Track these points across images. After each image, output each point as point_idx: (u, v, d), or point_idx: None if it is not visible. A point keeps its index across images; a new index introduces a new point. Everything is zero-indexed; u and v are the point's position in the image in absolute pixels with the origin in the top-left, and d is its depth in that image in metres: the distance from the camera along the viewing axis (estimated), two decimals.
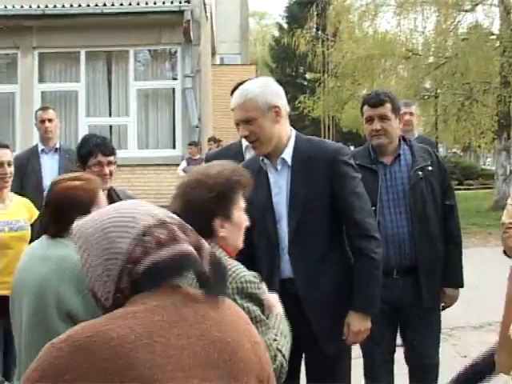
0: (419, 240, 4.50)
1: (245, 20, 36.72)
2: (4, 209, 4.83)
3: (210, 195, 2.74)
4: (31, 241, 4.74)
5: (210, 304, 1.96)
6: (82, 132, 14.97)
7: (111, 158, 4.49)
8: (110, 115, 16.07)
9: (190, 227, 2.03)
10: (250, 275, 2.71)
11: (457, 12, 20.93)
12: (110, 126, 15.88)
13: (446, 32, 20.61)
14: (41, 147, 7.30)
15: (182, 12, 14.81)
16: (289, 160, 3.70)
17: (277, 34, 44.44)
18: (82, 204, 3.06)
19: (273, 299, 2.97)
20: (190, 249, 1.94)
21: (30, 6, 15.05)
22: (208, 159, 4.95)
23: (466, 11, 21.10)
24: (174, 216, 2.03)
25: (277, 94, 3.67)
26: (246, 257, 3.75)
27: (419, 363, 4.64)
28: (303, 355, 3.88)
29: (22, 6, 15.08)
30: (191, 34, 15.01)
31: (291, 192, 3.67)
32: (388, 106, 4.54)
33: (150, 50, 16.29)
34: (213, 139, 15.71)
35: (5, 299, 3.24)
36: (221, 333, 1.93)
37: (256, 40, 56.12)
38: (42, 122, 7.33)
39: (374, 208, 4.27)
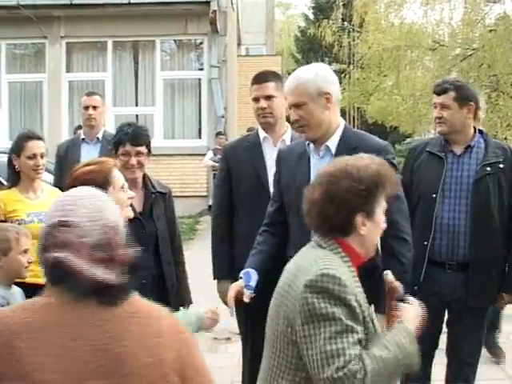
0: (475, 236, 4.32)
1: (270, 10, 36.70)
2: (35, 200, 4.84)
3: (359, 187, 2.58)
4: None
5: (108, 312, 1.94)
6: (109, 121, 15.08)
7: (140, 149, 4.36)
8: (137, 105, 16.20)
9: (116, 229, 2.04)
10: (333, 270, 2.47)
11: (484, 3, 20.74)
12: (137, 116, 15.96)
13: (473, 23, 20.42)
14: (82, 136, 6.92)
15: (208, 2, 14.87)
16: (333, 148, 3.69)
17: (302, 24, 44.24)
18: (96, 186, 3.00)
19: (406, 310, 2.74)
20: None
21: None
22: (226, 150, 4.89)
23: (494, 2, 20.90)
24: (112, 220, 2.04)
25: (329, 81, 3.67)
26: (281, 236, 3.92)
27: (457, 360, 4.50)
28: None
29: None
30: (217, 24, 15.07)
31: None
32: (451, 94, 4.41)
33: (176, 40, 16.38)
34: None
35: (38, 286, 3.23)
36: (113, 343, 1.90)
37: (281, 31, 55.95)
38: (86, 108, 6.88)
39: (434, 195, 4.31)
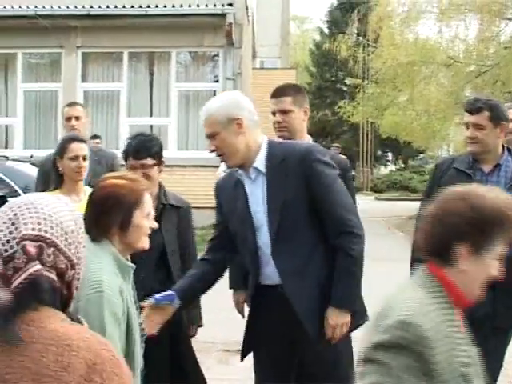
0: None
1: (286, 24, 36.81)
2: (77, 202, 4.88)
3: (470, 215, 2.29)
4: None
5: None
6: (123, 132, 15.18)
7: (145, 162, 4.31)
8: (151, 115, 16.25)
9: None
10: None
11: (499, 20, 20.77)
12: (151, 127, 16.00)
13: (487, 40, 20.45)
14: None
15: (224, 15, 14.92)
16: (262, 168, 3.69)
17: (318, 38, 44.41)
18: (125, 204, 3.01)
19: None
20: None
21: (76, 7, 15.31)
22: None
23: (509, 19, 20.92)
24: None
25: (238, 107, 3.67)
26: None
27: None
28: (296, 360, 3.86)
29: (67, 7, 15.34)
30: (233, 36, 15.13)
31: (268, 198, 3.67)
32: (485, 114, 4.27)
33: (191, 52, 16.43)
34: None
35: None
36: None
37: (296, 44, 56.10)
38: (68, 119, 6.68)
39: None
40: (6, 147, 16.46)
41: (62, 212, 1.85)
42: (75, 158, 4.81)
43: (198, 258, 4.17)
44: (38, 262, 1.74)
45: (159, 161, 4.38)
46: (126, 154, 4.39)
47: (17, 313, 1.71)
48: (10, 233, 1.77)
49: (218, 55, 16.05)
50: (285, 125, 4.50)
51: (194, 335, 4.53)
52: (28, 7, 15.31)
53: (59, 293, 1.81)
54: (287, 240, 3.64)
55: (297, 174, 3.62)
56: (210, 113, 3.64)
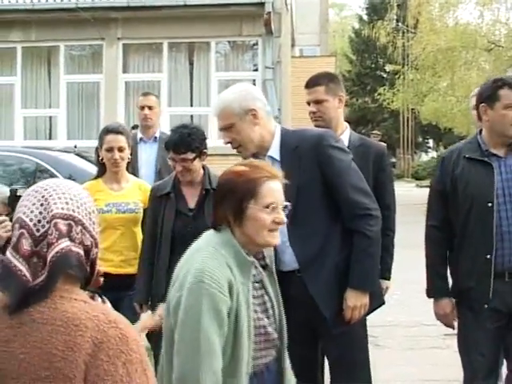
0: None
1: (324, 11, 36.74)
2: (118, 190, 5.07)
3: None
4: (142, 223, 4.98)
5: (16, 316, 1.86)
6: (164, 121, 15.28)
7: (184, 156, 4.50)
8: (192, 105, 16.35)
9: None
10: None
11: None
12: (191, 116, 16.12)
13: None
14: (139, 136, 7.02)
15: (263, 4, 14.90)
16: (276, 156, 3.74)
17: (357, 25, 44.17)
18: (237, 192, 2.86)
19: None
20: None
21: None
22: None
23: None
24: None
25: (252, 98, 3.73)
26: None
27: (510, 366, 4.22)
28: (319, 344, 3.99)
29: None
30: (272, 25, 15.12)
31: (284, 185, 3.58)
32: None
33: (230, 42, 16.48)
34: None
35: (109, 276, 3.07)
36: (15, 349, 1.84)
37: (335, 32, 55.87)
38: (142, 108, 7.03)
39: (489, 204, 4.03)
40: (50, 138, 16.71)
41: (83, 193, 2.02)
42: (110, 150, 5.01)
43: None
44: (67, 238, 1.88)
45: (200, 153, 4.56)
46: (167, 147, 4.61)
47: (49, 288, 1.85)
48: (41, 213, 1.93)
49: (256, 44, 16.07)
50: (320, 114, 4.61)
51: None
52: (69, 0, 15.51)
53: (85, 269, 1.94)
54: (303, 225, 3.67)
55: (310, 160, 3.68)
56: (225, 105, 3.69)
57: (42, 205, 1.94)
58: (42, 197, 1.96)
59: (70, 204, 1.95)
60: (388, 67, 32.06)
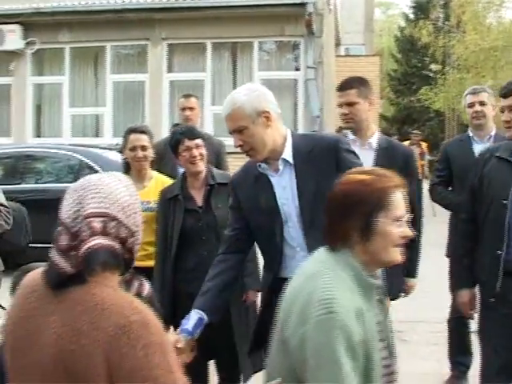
0: None
1: (370, 10, 36.67)
2: (140, 189, 5.12)
3: None
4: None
5: (54, 297, 2.12)
6: (207, 120, 15.59)
7: (198, 141, 4.77)
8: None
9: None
10: None
11: None
12: None
13: None
14: None
15: (304, 5, 15.08)
16: (290, 159, 3.61)
17: (403, 24, 43.97)
18: (368, 205, 2.51)
19: None
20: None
21: (160, 0, 15.79)
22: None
23: None
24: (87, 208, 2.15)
25: (265, 100, 3.58)
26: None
27: None
28: None
29: (152, 0, 15.86)
30: (313, 26, 15.29)
31: (298, 188, 3.59)
32: None
33: (273, 42, 16.65)
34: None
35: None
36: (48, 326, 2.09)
37: (382, 30, 55.64)
38: (183, 109, 7.33)
39: (504, 201, 4.08)
40: (97, 136, 17.11)
41: (119, 190, 2.23)
42: (133, 149, 5.24)
43: (218, 256, 3.92)
44: (100, 235, 2.12)
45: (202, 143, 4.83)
46: (179, 140, 4.82)
47: (80, 278, 2.10)
48: (77, 211, 2.16)
49: (299, 44, 16.23)
50: (351, 116, 4.74)
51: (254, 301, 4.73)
52: (115, 2, 15.94)
53: (122, 257, 2.19)
54: (320, 231, 3.43)
55: (326, 163, 3.57)
56: (237, 106, 3.53)
57: (78, 204, 2.18)
58: (79, 196, 2.19)
59: (104, 202, 2.17)
60: (433, 67, 31.87)
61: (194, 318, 3.53)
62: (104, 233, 2.14)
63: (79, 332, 2.01)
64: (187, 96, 7.57)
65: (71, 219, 2.16)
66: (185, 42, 16.48)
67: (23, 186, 11.09)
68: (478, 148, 5.59)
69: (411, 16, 40.91)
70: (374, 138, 4.78)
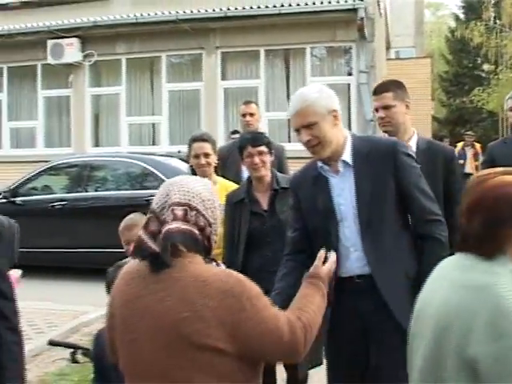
0: None
1: (420, 12, 36.56)
2: None
3: None
4: None
5: (156, 275, 2.50)
6: (262, 125, 15.73)
7: (261, 148, 4.99)
8: None
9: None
10: None
11: None
12: (288, 120, 16.45)
13: None
14: None
15: (355, 10, 15.24)
16: (349, 160, 3.70)
17: (453, 24, 43.63)
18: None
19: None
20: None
21: (213, 10, 16.11)
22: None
23: None
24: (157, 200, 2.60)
25: (333, 99, 3.70)
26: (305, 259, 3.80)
27: None
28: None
29: (206, 10, 16.17)
30: (365, 31, 15.42)
31: (357, 190, 3.67)
32: None
33: (325, 47, 16.83)
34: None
35: None
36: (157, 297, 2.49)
37: (432, 32, 55.23)
38: (244, 115, 7.68)
39: None
40: (153, 144, 17.50)
41: (200, 187, 2.64)
42: (197, 156, 5.53)
43: (283, 258, 4.01)
44: (180, 221, 2.53)
45: (270, 150, 5.07)
46: (243, 145, 5.06)
47: (165, 252, 2.48)
48: (165, 202, 2.58)
49: (350, 49, 16.38)
50: (388, 120, 4.72)
51: None
52: (170, 13, 16.26)
53: (202, 242, 2.58)
54: (375, 231, 3.64)
55: (384, 166, 3.66)
56: (309, 103, 3.62)
57: (166, 195, 2.60)
58: (167, 190, 2.62)
59: (187, 195, 2.57)
60: (486, 67, 31.54)
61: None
62: (185, 219, 2.53)
63: (190, 301, 2.40)
64: (248, 102, 7.94)
65: (160, 208, 2.57)
66: (238, 49, 16.78)
67: (97, 193, 11.61)
68: None
69: (461, 16, 40.60)
70: (413, 140, 4.74)
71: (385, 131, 4.81)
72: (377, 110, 4.81)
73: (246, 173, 7.05)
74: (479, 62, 32.97)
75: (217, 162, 5.65)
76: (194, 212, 2.56)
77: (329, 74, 16.64)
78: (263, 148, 5.02)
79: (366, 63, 15.87)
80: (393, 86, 4.79)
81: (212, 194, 2.67)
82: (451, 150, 5.11)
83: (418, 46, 35.23)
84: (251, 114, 7.65)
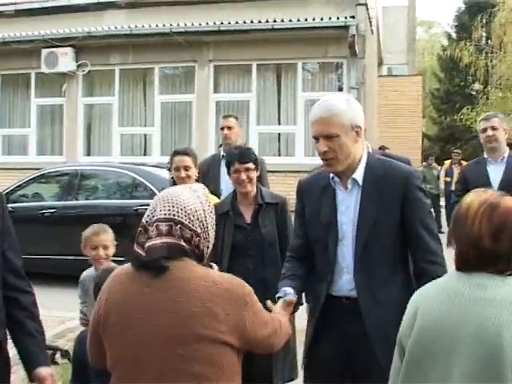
0: None
1: (412, 30, 36.70)
2: None
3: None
4: None
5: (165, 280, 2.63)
6: (253, 139, 15.95)
7: (248, 165, 5.10)
8: (279, 123, 16.89)
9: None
10: None
11: None
12: (279, 134, 16.78)
13: None
14: (222, 153, 7.59)
15: (347, 27, 15.38)
16: (360, 180, 3.60)
17: (446, 43, 43.78)
18: None
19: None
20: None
21: (207, 23, 16.25)
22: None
23: None
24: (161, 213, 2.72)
25: (360, 114, 3.57)
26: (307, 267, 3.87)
27: None
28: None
29: (199, 24, 16.31)
30: (356, 47, 15.56)
31: (361, 212, 3.57)
32: None
33: (316, 63, 16.99)
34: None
35: None
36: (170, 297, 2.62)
37: (424, 49, 55.54)
38: (222, 128, 7.94)
39: None
40: (145, 154, 17.64)
41: (188, 199, 2.77)
42: (177, 169, 5.68)
43: (285, 260, 4.07)
44: (164, 237, 2.66)
45: (256, 166, 5.18)
46: (231, 161, 5.18)
47: (153, 262, 2.63)
48: (152, 217, 2.75)
49: (341, 65, 16.53)
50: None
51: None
52: (164, 25, 16.41)
53: (192, 251, 2.72)
54: (371, 256, 3.56)
55: (395, 194, 3.56)
56: (335, 112, 3.49)
57: (154, 210, 2.76)
58: (154, 205, 2.78)
59: (172, 210, 2.71)
60: (476, 86, 31.72)
61: (286, 289, 3.69)
62: (169, 234, 2.67)
63: (202, 298, 2.56)
64: (227, 116, 8.24)
65: (148, 223, 2.73)
66: (231, 63, 16.91)
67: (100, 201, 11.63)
68: (492, 169, 6.49)
69: (453, 35, 40.79)
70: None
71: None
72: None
73: (225, 186, 7.22)
74: (470, 80, 33.13)
75: (197, 175, 5.78)
76: (179, 226, 2.69)
77: (320, 89, 16.79)
78: (250, 165, 5.13)
79: (356, 79, 16.00)
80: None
81: (201, 202, 2.80)
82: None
83: (410, 63, 35.39)
84: (229, 128, 7.87)
